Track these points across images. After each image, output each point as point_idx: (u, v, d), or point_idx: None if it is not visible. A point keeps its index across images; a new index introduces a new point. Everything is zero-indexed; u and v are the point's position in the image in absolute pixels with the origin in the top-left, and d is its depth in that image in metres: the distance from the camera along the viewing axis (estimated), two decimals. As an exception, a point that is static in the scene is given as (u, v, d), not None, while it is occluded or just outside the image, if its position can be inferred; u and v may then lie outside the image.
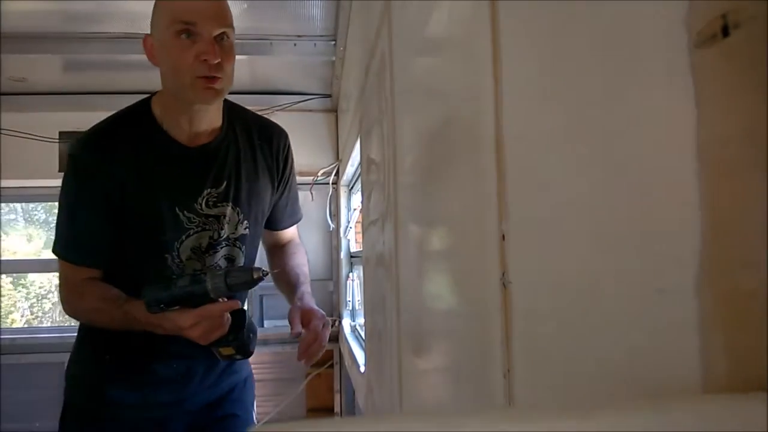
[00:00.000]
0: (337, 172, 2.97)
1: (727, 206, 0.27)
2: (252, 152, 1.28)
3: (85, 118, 2.84)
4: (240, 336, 1.13)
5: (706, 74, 0.28)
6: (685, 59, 0.29)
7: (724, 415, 0.24)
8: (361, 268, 2.20)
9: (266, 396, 3.08)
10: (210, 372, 1.29)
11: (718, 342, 0.27)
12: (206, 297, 1.06)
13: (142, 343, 1.17)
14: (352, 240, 2.97)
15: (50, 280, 5.67)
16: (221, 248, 1.27)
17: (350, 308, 2.92)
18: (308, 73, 2.80)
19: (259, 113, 1.39)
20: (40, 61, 2.50)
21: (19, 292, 6.57)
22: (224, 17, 1.11)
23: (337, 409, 3.13)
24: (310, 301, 1.26)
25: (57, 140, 2.85)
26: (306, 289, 1.30)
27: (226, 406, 1.33)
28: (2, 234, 4.07)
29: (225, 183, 1.24)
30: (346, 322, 2.89)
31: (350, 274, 2.94)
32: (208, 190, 1.22)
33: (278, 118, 3.22)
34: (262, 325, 3.00)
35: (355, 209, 2.82)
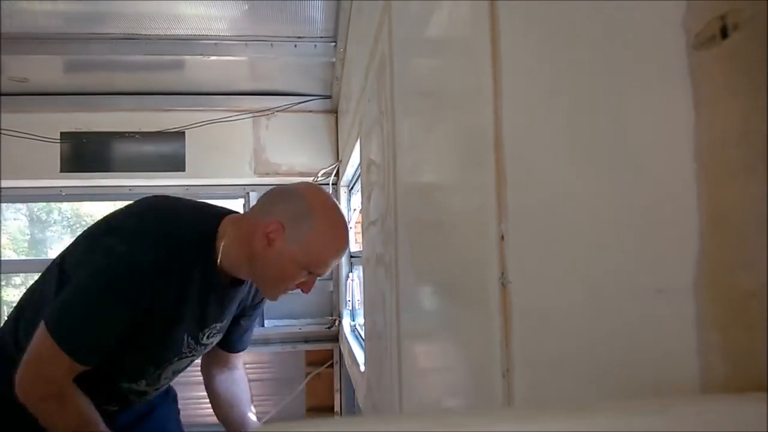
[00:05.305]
0: (337, 172, 2.97)
1: (727, 206, 0.27)
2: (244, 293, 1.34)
3: (86, 119, 2.87)
4: None
5: (705, 76, 0.28)
6: (683, 61, 0.29)
7: (724, 415, 0.24)
8: (361, 268, 2.20)
9: (266, 396, 3.09)
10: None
11: (717, 342, 0.27)
12: None
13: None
14: (352, 240, 2.98)
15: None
16: (188, 367, 1.34)
17: (350, 308, 2.92)
18: (308, 74, 2.80)
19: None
20: (41, 61, 2.50)
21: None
22: None
23: (337, 408, 3.13)
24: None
25: (58, 140, 2.85)
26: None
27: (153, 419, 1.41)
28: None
29: (224, 320, 1.31)
30: (346, 322, 2.89)
31: (350, 274, 2.94)
32: (215, 324, 1.28)
33: (278, 119, 3.22)
34: (263, 325, 3.01)
35: (355, 209, 2.82)
